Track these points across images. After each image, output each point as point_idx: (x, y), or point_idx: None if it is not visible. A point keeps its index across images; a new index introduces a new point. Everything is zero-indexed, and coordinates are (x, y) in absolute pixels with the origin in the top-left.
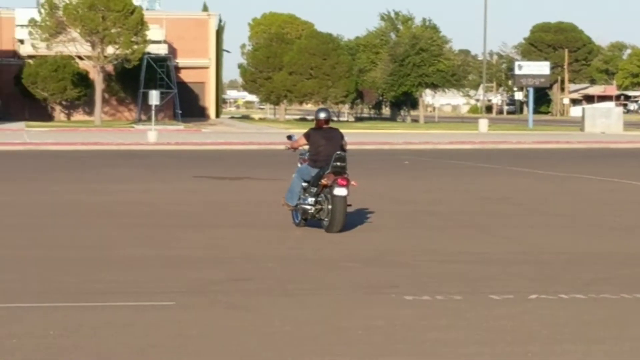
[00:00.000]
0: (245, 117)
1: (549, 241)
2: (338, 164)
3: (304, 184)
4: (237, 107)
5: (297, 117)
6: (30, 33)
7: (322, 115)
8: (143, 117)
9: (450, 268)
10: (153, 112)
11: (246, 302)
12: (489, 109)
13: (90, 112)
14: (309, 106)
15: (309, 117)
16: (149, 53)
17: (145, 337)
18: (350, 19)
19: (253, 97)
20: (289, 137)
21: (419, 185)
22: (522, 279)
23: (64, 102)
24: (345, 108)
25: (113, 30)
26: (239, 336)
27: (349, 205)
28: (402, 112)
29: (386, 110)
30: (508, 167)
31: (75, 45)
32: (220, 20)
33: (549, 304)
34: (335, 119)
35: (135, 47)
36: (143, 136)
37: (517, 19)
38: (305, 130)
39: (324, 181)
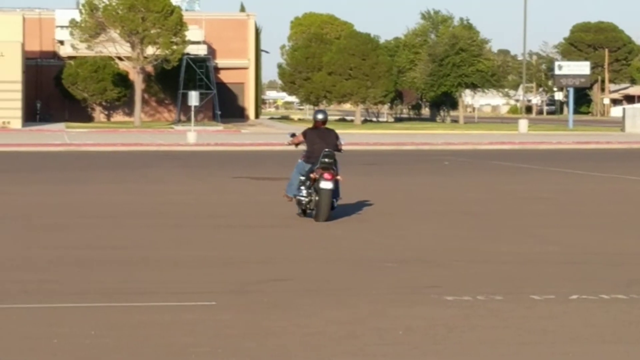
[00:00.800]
0: (285, 118)
1: (590, 241)
2: (326, 160)
3: (302, 178)
4: (277, 107)
5: (336, 117)
6: (70, 34)
7: (320, 116)
8: (182, 118)
9: (491, 268)
10: (192, 113)
11: (286, 302)
12: (528, 109)
13: (129, 113)
14: (348, 106)
15: (348, 118)
16: (188, 54)
17: (186, 337)
18: (389, 19)
19: (292, 98)
20: (292, 135)
21: (459, 186)
22: (563, 280)
23: (103, 103)
24: (385, 108)
25: (152, 31)
26: (279, 336)
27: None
28: (441, 113)
29: (425, 111)
30: (548, 168)
31: (115, 46)
32: (255, 22)
33: (590, 304)
34: (374, 119)
35: (175, 47)
36: (182, 137)
37: (557, 19)
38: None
39: (312, 175)
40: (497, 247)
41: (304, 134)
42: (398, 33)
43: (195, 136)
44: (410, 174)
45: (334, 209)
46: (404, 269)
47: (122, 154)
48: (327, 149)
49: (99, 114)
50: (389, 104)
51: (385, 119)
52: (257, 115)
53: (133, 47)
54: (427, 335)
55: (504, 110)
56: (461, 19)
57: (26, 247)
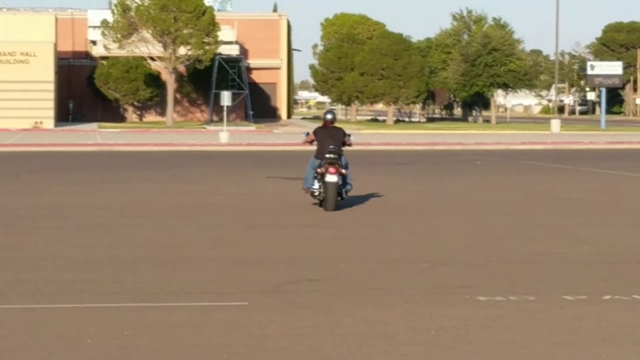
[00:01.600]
0: (317, 118)
1: (622, 242)
2: (331, 155)
3: (315, 173)
4: (309, 107)
5: (369, 117)
6: (102, 34)
7: (328, 116)
8: (215, 118)
9: (523, 268)
10: (225, 113)
11: (319, 302)
12: (561, 109)
13: (162, 113)
14: (380, 107)
15: (380, 118)
16: (220, 54)
17: (219, 337)
18: (421, 19)
19: (324, 98)
20: (307, 134)
21: (491, 185)
22: (596, 280)
23: (136, 103)
24: (417, 109)
25: (185, 31)
26: (312, 336)
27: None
28: (473, 113)
29: (458, 111)
30: (580, 168)
31: (147, 46)
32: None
33: (623, 304)
34: (406, 119)
35: (207, 47)
36: (215, 137)
37: (589, 19)
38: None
39: (319, 170)
40: (529, 247)
41: (315, 132)
42: (430, 33)
43: (228, 136)
44: (442, 174)
45: (343, 199)
46: (436, 269)
47: (155, 154)
48: (331, 146)
49: (131, 114)
50: (421, 104)
51: (417, 119)
52: (289, 115)
53: (165, 47)
54: (459, 335)
55: (536, 110)
56: (494, 19)
57: (60, 247)
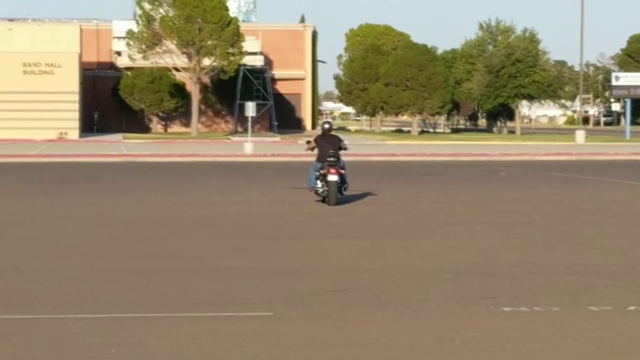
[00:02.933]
0: (341, 129)
1: None
2: (331, 159)
3: (317, 173)
4: (333, 118)
5: (393, 128)
6: (127, 45)
7: (326, 126)
8: (239, 128)
9: (548, 279)
10: (250, 124)
11: (343, 313)
12: (585, 120)
13: (186, 124)
14: (405, 117)
15: (405, 129)
16: (245, 65)
17: (243, 347)
18: (446, 30)
19: (349, 109)
20: (308, 142)
21: (516, 197)
22: (621, 291)
23: (160, 114)
24: (441, 119)
25: (209, 42)
26: (336, 347)
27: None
28: (498, 124)
29: (482, 122)
30: (605, 179)
31: (171, 57)
32: (314, 31)
33: None
34: (431, 130)
35: (232, 58)
36: (239, 148)
37: (614, 30)
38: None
39: (322, 171)
40: (554, 258)
41: (315, 140)
42: (455, 44)
43: (252, 147)
44: (466, 185)
45: (342, 195)
46: (460, 279)
47: (179, 165)
48: (331, 151)
49: (156, 125)
50: (445, 115)
51: (442, 130)
52: (313, 126)
53: (190, 58)
54: (484, 346)
55: (560, 121)
56: (524, 29)
57: (85, 258)
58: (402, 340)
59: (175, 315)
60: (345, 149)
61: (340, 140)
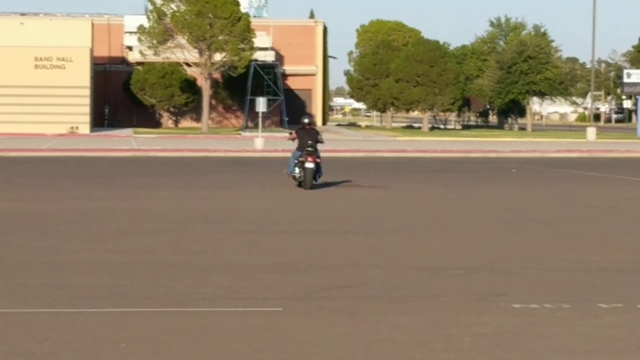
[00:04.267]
0: (352, 125)
1: None
2: (309, 149)
3: (296, 161)
4: (344, 114)
5: (404, 124)
6: (138, 40)
7: (306, 120)
8: (250, 124)
9: (558, 276)
10: (260, 119)
11: (353, 309)
12: (596, 117)
13: (197, 119)
14: (416, 114)
15: (416, 125)
16: (256, 60)
17: (252, 342)
18: (457, 26)
19: (360, 105)
20: (290, 133)
21: (526, 193)
22: (631, 288)
23: (171, 109)
24: (452, 116)
25: (220, 37)
26: (346, 343)
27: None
28: (509, 120)
29: (493, 118)
30: (616, 176)
31: (182, 52)
32: (324, 27)
33: None
34: (441, 126)
35: (243, 54)
36: (250, 143)
37: (625, 27)
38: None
39: (301, 159)
40: (564, 255)
41: (297, 132)
42: (466, 40)
43: (263, 142)
44: (477, 182)
45: (316, 181)
46: (471, 276)
47: (190, 160)
48: (309, 141)
49: (166, 120)
50: (456, 111)
51: (452, 127)
52: (324, 122)
53: (201, 53)
54: (494, 342)
55: (572, 118)
56: (535, 26)
57: (96, 252)
58: (412, 336)
59: (185, 310)
60: (322, 142)
61: (317, 133)
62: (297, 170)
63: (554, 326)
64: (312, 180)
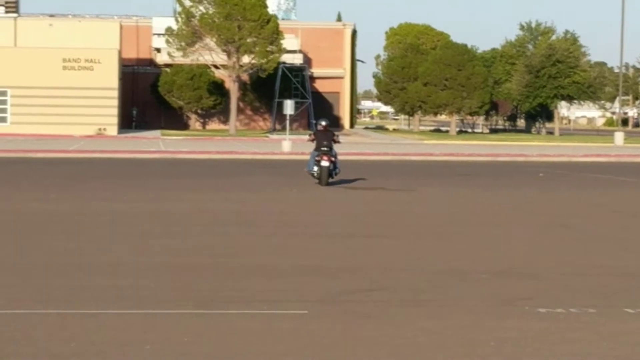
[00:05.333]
0: (380, 128)
1: None
2: (324, 149)
3: (315, 160)
4: (372, 117)
5: (431, 128)
6: (166, 42)
7: (323, 123)
8: (277, 126)
9: (584, 281)
10: (288, 122)
11: (378, 312)
12: (624, 122)
13: (225, 121)
14: (444, 117)
15: (443, 128)
16: (284, 63)
17: (277, 345)
18: (486, 30)
19: (387, 108)
20: (310, 135)
21: (553, 198)
22: None
23: (199, 111)
24: (480, 119)
25: (249, 40)
26: (371, 346)
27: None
28: (537, 124)
29: (521, 122)
30: None
31: (210, 54)
32: (353, 30)
33: None
34: (469, 130)
35: (271, 56)
36: (277, 146)
37: None
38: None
39: (317, 158)
40: (591, 260)
41: (314, 134)
42: (494, 44)
43: (290, 145)
44: (504, 185)
45: (332, 178)
46: (497, 280)
47: (217, 162)
48: (325, 142)
49: (194, 122)
50: (484, 115)
51: (480, 130)
52: (352, 125)
53: (229, 55)
54: (519, 347)
55: (599, 122)
56: (566, 31)
57: (122, 254)
58: (437, 340)
59: (211, 312)
60: (339, 142)
61: (333, 134)
62: (315, 168)
63: (580, 331)
64: (328, 177)
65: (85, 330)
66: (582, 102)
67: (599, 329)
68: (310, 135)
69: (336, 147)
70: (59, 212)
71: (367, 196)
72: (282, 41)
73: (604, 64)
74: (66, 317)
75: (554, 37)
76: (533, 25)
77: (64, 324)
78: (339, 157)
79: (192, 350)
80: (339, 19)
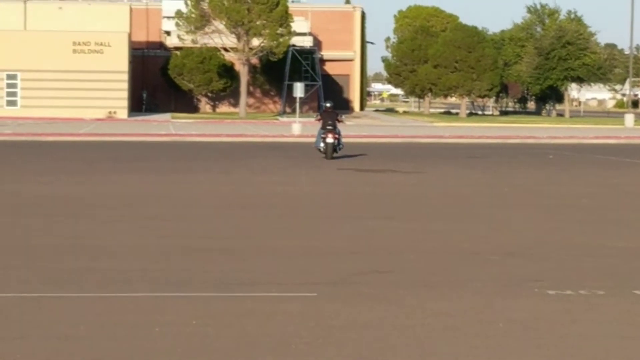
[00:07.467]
0: (390, 110)
1: None
2: (329, 127)
3: (321, 137)
4: (382, 100)
5: (442, 110)
6: (176, 25)
7: (328, 104)
8: (287, 109)
9: (594, 262)
10: (297, 105)
11: (388, 294)
12: (635, 103)
13: (235, 104)
14: (454, 99)
15: (454, 111)
16: (294, 45)
17: (287, 327)
18: (495, 12)
19: (397, 90)
20: (317, 115)
21: (563, 179)
22: None
23: (209, 94)
24: (490, 102)
25: (258, 22)
26: (380, 328)
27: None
28: (547, 107)
29: (531, 105)
30: None
31: (220, 37)
32: (362, 12)
33: None
34: (479, 112)
35: (281, 39)
36: (287, 128)
37: None
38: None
39: (323, 135)
40: (601, 241)
41: (321, 114)
42: (504, 26)
43: (300, 127)
44: (514, 167)
45: (337, 152)
46: (506, 261)
47: (227, 145)
48: (329, 121)
49: (204, 105)
50: (494, 97)
51: (490, 112)
52: (362, 107)
53: (239, 38)
54: (528, 328)
55: (610, 104)
56: (569, 12)
57: (131, 236)
58: (446, 321)
59: (220, 295)
60: (342, 121)
61: (337, 114)
62: (321, 144)
63: (589, 312)
64: (333, 152)
65: (94, 313)
66: (592, 84)
67: (608, 310)
68: (317, 115)
69: (340, 127)
70: (69, 195)
71: (376, 178)
72: (291, 24)
73: (614, 45)
74: (75, 300)
75: (560, 19)
76: (539, 7)
77: (73, 307)
78: (349, 139)
79: (201, 332)
80: (348, 1)
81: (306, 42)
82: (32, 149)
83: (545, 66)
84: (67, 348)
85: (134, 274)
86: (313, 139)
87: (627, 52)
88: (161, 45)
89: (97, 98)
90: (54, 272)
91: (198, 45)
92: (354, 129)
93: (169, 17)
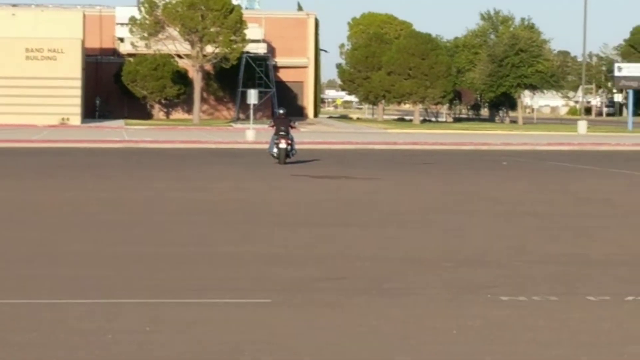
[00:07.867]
0: (344, 117)
1: None
2: (282, 133)
3: (275, 142)
4: (335, 106)
5: (395, 117)
6: (130, 31)
7: (280, 111)
8: (241, 116)
9: (547, 269)
10: (252, 111)
11: (341, 301)
12: (587, 110)
13: (188, 111)
14: (408, 106)
15: (407, 118)
16: (247, 52)
17: (240, 334)
18: (449, 19)
19: (351, 97)
20: (270, 122)
21: (517, 186)
22: (619, 281)
23: (162, 101)
24: (444, 109)
25: (212, 29)
26: (334, 335)
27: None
28: (500, 113)
29: (484, 111)
30: (607, 169)
31: (174, 44)
32: (316, 19)
33: None
34: (433, 119)
35: (234, 46)
36: (241, 135)
37: (617, 20)
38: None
39: (276, 141)
40: (554, 248)
41: (274, 120)
42: (457, 33)
43: (254, 134)
44: (468, 174)
45: (290, 157)
46: (460, 268)
47: (181, 152)
48: (282, 127)
49: (158, 112)
50: (447, 104)
51: (444, 119)
52: (316, 114)
53: (192, 45)
54: (481, 335)
55: (563, 111)
56: (522, 19)
57: (83, 243)
58: (399, 328)
59: (172, 302)
60: (294, 127)
61: (290, 121)
62: (275, 150)
63: (542, 319)
64: (286, 157)
65: (46, 320)
66: (545, 91)
67: (561, 316)
68: (270, 122)
69: (294, 133)
70: (22, 202)
71: (331, 185)
72: (245, 31)
73: (567, 53)
74: (27, 307)
75: (514, 26)
76: (492, 14)
77: (25, 313)
78: (303, 146)
79: (153, 339)
80: (300, 8)
81: (260, 49)
82: None
83: (499, 73)
84: (18, 355)
85: (87, 281)
86: (267, 146)
87: (580, 59)
88: (114, 52)
89: (50, 105)
90: (6, 279)
91: (152, 52)
92: (308, 135)
93: (122, 24)
